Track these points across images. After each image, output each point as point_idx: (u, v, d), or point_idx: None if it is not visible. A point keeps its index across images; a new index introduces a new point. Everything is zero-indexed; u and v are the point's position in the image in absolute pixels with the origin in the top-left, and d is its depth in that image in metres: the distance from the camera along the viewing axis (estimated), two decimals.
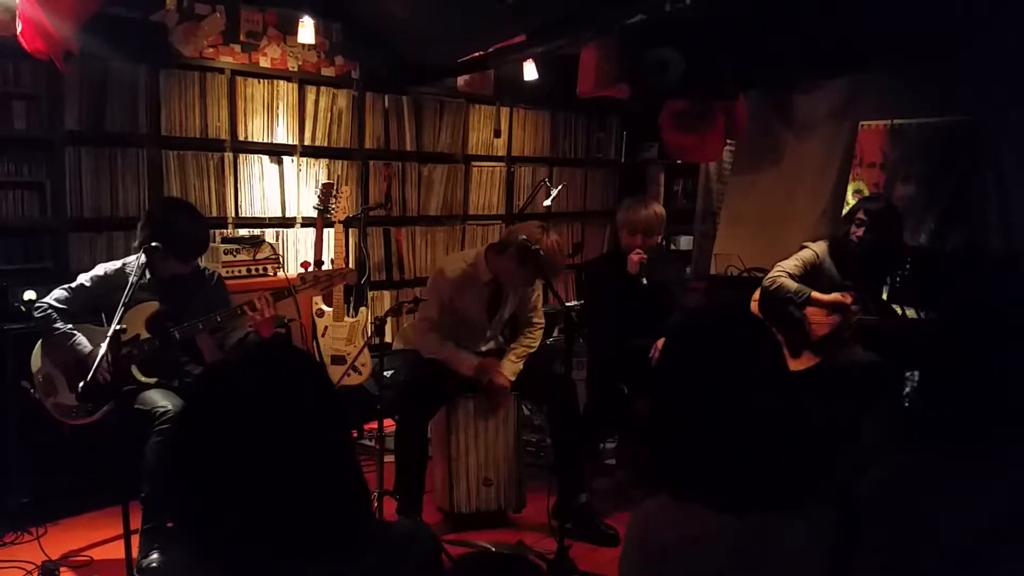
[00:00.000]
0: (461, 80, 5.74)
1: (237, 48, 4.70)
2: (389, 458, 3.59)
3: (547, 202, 5.50)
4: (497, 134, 6.00)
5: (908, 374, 3.85)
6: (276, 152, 4.91)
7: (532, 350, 3.78)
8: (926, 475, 1.43)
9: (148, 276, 3.27)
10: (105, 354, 2.80)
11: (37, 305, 3.26)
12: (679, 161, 6.55)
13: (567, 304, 3.59)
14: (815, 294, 3.82)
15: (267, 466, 1.13)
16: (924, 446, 1.49)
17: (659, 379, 1.56)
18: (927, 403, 1.57)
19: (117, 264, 3.38)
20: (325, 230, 4.68)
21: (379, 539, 1.25)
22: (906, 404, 3.78)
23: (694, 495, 1.42)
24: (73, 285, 3.30)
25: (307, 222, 5.03)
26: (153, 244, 3.11)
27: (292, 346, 1.31)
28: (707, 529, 1.39)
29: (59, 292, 3.28)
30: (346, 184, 5.10)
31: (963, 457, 1.43)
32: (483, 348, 3.82)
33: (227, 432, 1.14)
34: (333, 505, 1.18)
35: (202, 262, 3.65)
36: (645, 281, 3.86)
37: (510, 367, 3.67)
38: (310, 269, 3.60)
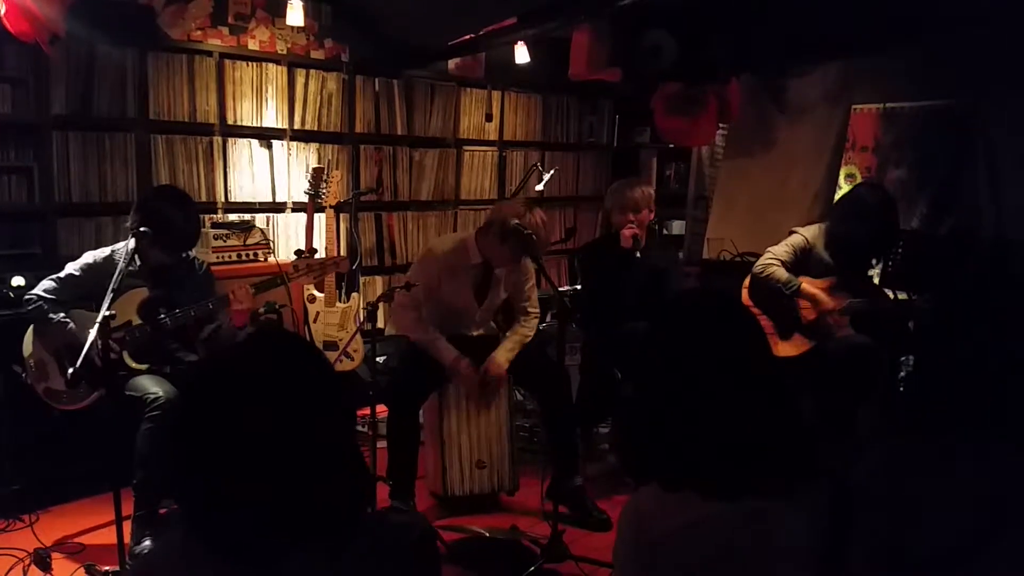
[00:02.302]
0: (452, 63, 5.70)
1: (225, 31, 4.65)
2: (382, 444, 3.59)
3: (539, 187, 5.47)
4: (489, 118, 5.97)
5: (903, 359, 3.85)
6: (265, 136, 4.88)
7: (528, 339, 3.76)
8: (919, 462, 1.43)
9: (138, 263, 3.25)
10: (95, 340, 2.78)
11: (27, 297, 3.24)
12: (671, 145, 6.53)
13: (560, 289, 3.59)
14: (804, 286, 3.81)
15: (269, 451, 1.13)
16: (917, 433, 1.49)
17: (644, 367, 1.55)
18: (919, 389, 1.56)
19: (106, 251, 3.36)
20: (316, 215, 4.66)
21: (374, 529, 1.25)
22: (900, 389, 3.78)
23: (684, 484, 1.41)
24: (62, 275, 3.28)
25: (298, 207, 5.01)
26: (142, 230, 3.09)
27: (294, 334, 1.30)
28: (699, 518, 1.39)
29: (48, 283, 3.25)
30: (337, 169, 5.06)
31: (955, 444, 1.42)
32: (473, 333, 3.81)
33: (231, 415, 1.14)
34: (333, 491, 1.18)
35: (193, 250, 3.63)
36: (639, 254, 3.94)
37: (504, 355, 3.65)
38: (304, 257, 3.59)
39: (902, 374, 3.83)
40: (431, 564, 1.32)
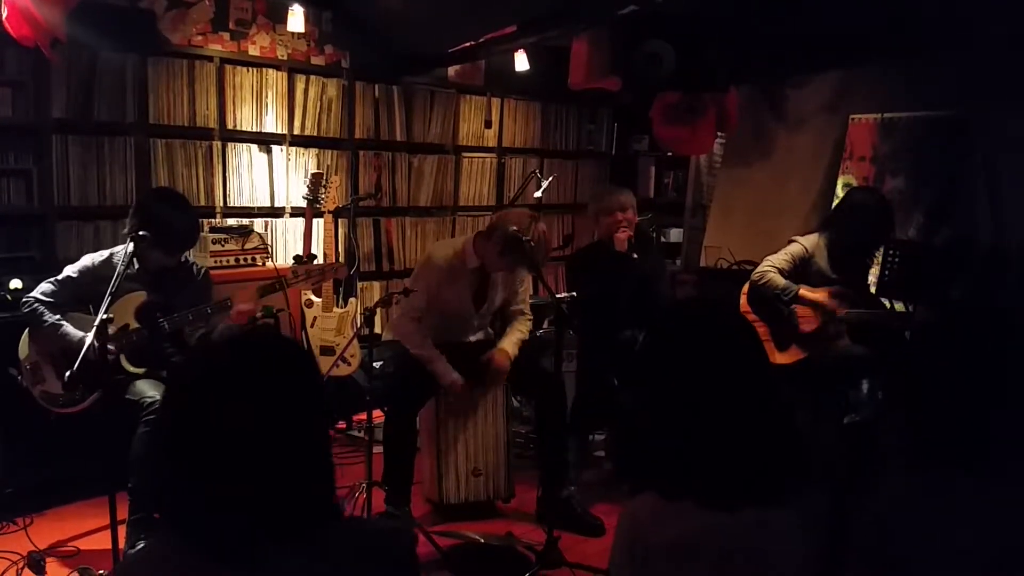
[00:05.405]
0: (452, 70, 5.71)
1: (226, 36, 4.67)
2: (378, 449, 3.59)
3: (538, 194, 5.49)
4: (488, 125, 5.99)
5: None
6: (265, 141, 4.89)
7: (525, 338, 3.78)
8: (936, 495, 1.40)
9: (136, 266, 3.25)
10: (92, 343, 2.78)
11: (24, 300, 3.23)
12: (670, 153, 6.54)
13: (557, 296, 3.59)
14: (803, 292, 3.81)
15: (242, 450, 1.14)
16: (931, 462, 1.46)
17: (643, 375, 1.55)
18: (917, 405, 1.54)
19: (104, 254, 3.36)
20: (314, 220, 4.66)
21: (356, 533, 1.25)
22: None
23: (683, 493, 1.41)
24: (60, 277, 3.27)
25: (296, 212, 5.01)
26: (141, 233, 3.08)
27: (277, 334, 1.31)
28: (697, 528, 1.39)
29: (45, 286, 3.25)
30: (336, 174, 5.07)
31: (968, 473, 1.39)
32: (471, 339, 3.82)
33: (202, 418, 1.14)
34: (304, 492, 1.18)
35: (191, 255, 3.63)
36: (635, 255, 3.99)
37: (510, 346, 3.67)
38: (303, 263, 3.58)
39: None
40: (411, 570, 1.32)
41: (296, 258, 4.16)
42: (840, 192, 5.03)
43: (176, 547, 1.15)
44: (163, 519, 1.19)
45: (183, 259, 3.50)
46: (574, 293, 4.30)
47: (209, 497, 1.13)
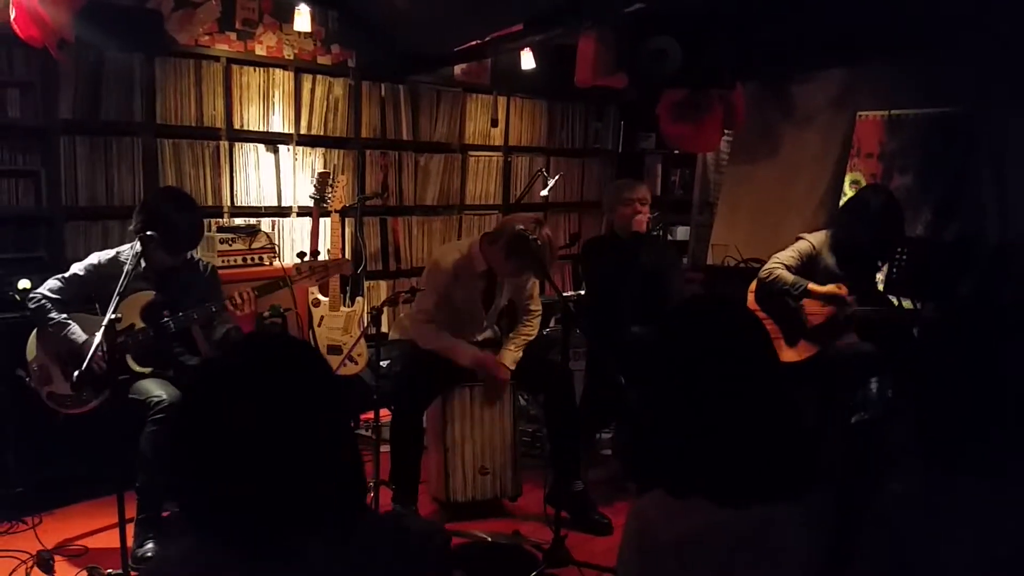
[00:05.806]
0: (458, 69, 5.71)
1: (233, 36, 4.68)
2: (385, 448, 3.60)
3: (544, 192, 5.49)
4: (494, 123, 5.98)
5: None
6: (272, 141, 4.89)
7: (531, 338, 3.78)
8: (942, 494, 1.39)
9: (143, 265, 3.26)
10: (100, 343, 2.80)
11: (31, 296, 3.25)
12: (676, 151, 6.53)
13: (564, 295, 3.59)
14: (812, 286, 3.80)
15: (265, 450, 1.14)
16: (938, 461, 1.45)
17: (653, 371, 1.55)
18: (924, 403, 1.53)
19: (111, 253, 3.37)
20: (321, 219, 4.67)
21: (385, 533, 1.26)
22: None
23: (691, 490, 1.41)
24: (67, 275, 3.29)
25: (303, 211, 5.02)
26: (148, 233, 3.10)
27: (290, 336, 1.32)
28: (706, 524, 1.38)
29: (52, 282, 3.26)
30: (342, 173, 5.07)
31: (975, 473, 1.38)
32: (479, 338, 3.82)
33: (227, 419, 1.15)
34: (330, 489, 1.19)
35: (197, 253, 3.64)
36: (656, 234, 4.11)
37: (510, 356, 3.68)
38: (306, 259, 3.59)
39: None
40: (443, 570, 1.34)
41: (300, 255, 4.16)
42: (848, 189, 5.01)
43: (201, 547, 1.16)
44: (184, 519, 1.20)
45: (189, 257, 3.51)
46: (582, 292, 4.32)
47: (233, 496, 1.14)
